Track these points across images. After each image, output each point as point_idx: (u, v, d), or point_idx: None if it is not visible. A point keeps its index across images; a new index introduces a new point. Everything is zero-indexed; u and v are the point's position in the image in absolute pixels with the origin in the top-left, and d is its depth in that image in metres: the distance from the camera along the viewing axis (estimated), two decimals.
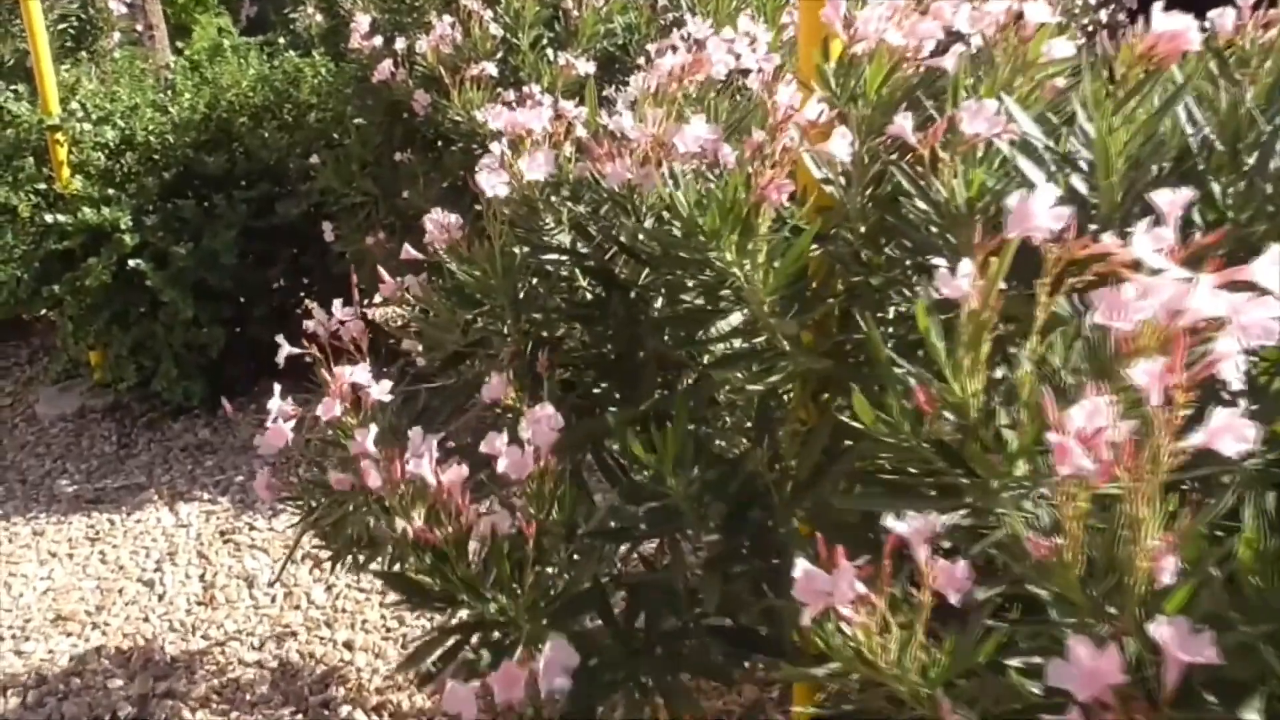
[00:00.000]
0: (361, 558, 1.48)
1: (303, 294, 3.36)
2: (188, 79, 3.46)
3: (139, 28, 4.68)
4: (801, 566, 0.65)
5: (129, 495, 2.76)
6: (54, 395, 3.31)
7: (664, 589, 0.89)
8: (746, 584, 0.84)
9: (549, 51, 2.71)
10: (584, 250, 1.29)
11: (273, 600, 2.27)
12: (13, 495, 2.79)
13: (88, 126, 3.02)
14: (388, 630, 2.15)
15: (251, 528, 2.56)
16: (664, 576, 0.91)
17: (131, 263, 2.92)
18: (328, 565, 2.31)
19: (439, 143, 2.91)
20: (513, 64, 2.64)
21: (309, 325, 1.44)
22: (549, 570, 0.86)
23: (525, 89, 2.55)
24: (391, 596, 2.20)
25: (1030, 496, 0.68)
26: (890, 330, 0.91)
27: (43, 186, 3.04)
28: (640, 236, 1.17)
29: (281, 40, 4.02)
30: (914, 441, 0.69)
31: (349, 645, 2.10)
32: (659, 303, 1.21)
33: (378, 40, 2.79)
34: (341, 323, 1.42)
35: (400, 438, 1.31)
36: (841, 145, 0.88)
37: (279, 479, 1.46)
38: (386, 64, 2.68)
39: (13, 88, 3.54)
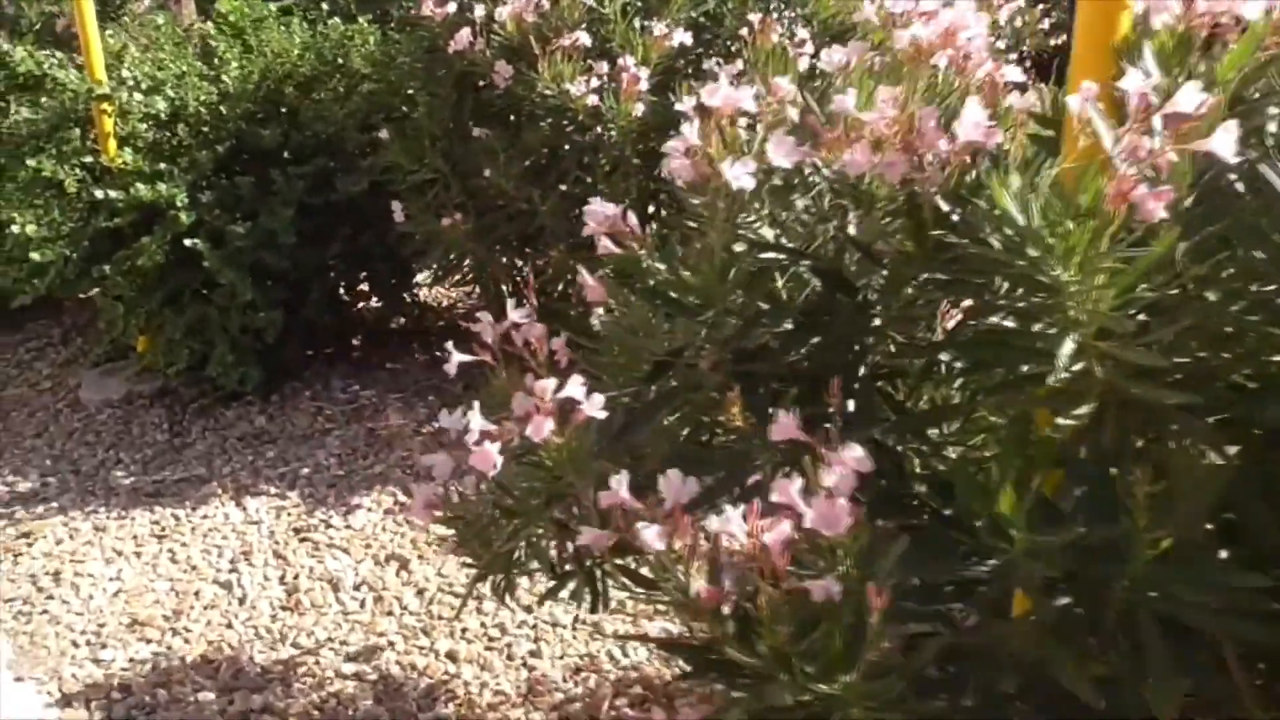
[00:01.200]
0: (525, 581, 1.35)
1: (362, 275, 3.21)
2: (231, 46, 3.29)
3: None
4: None
5: (190, 488, 2.62)
6: (96, 379, 3.16)
7: (991, 659, 0.76)
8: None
9: (636, 20, 2.55)
10: (803, 248, 1.15)
11: (362, 605, 2.14)
12: (67, 487, 2.65)
13: (139, 96, 2.84)
14: (490, 640, 2.02)
15: (328, 525, 2.42)
16: (996, 644, 0.78)
17: (187, 242, 2.76)
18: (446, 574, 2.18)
19: (511, 116, 2.75)
20: (602, 34, 2.48)
21: (478, 329, 1.30)
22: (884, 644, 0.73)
23: (620, 61, 2.41)
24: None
25: None
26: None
27: (88, 160, 2.87)
28: (898, 236, 1.03)
29: (324, 5, 3.83)
30: None
31: (452, 656, 1.98)
32: (943, 322, 1.08)
33: (450, 7, 2.62)
34: (515, 326, 1.28)
35: (610, 456, 1.18)
36: (1226, 142, 0.74)
37: (436, 498, 1.32)
38: (465, 33, 2.52)
39: (46, 53, 3.36)
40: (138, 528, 2.45)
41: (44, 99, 2.95)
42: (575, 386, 1.07)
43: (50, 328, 3.70)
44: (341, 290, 3.17)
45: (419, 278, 3.50)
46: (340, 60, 3.25)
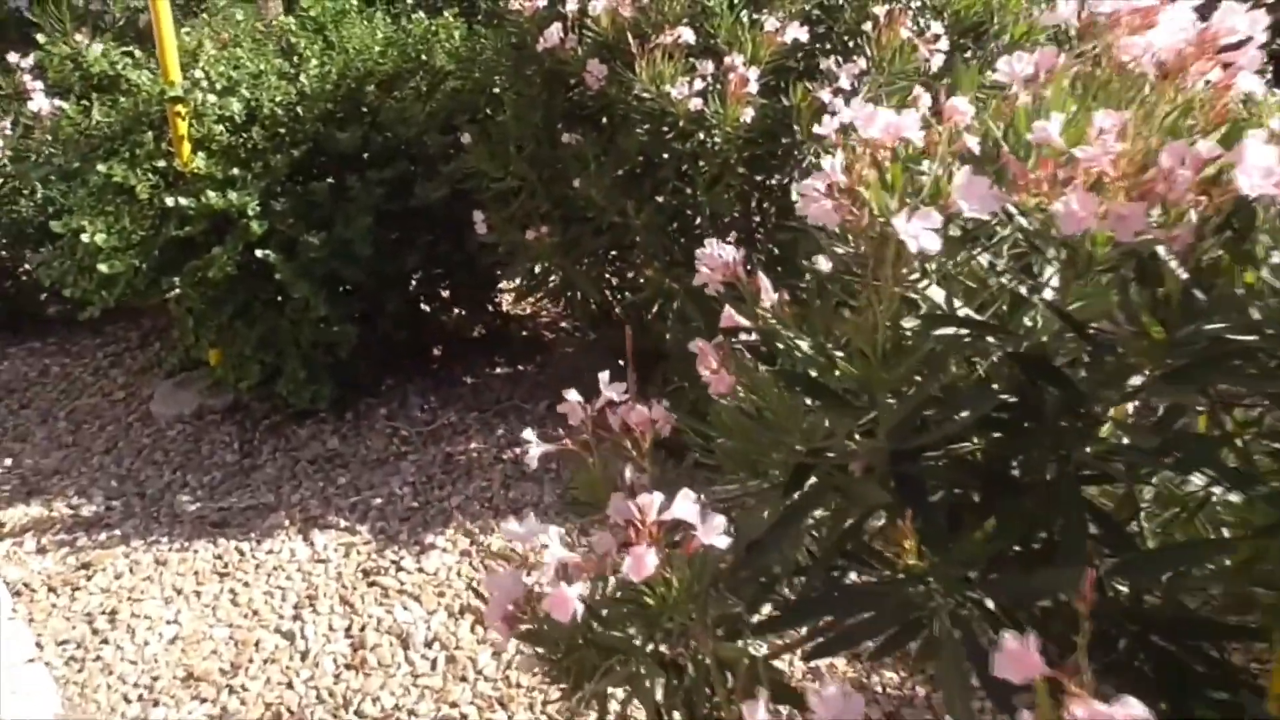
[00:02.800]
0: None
1: (442, 287, 3.02)
2: (312, 43, 3.12)
3: None
4: None
5: (257, 517, 2.46)
6: (169, 391, 3.03)
7: None
8: None
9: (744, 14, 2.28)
10: (993, 322, 0.88)
11: (433, 666, 1.94)
12: (131, 512, 2.52)
13: (212, 98, 2.69)
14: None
15: (399, 567, 2.23)
16: None
17: (259, 253, 2.60)
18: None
19: (604, 119, 2.52)
20: (705, 29, 2.21)
21: (566, 409, 1.06)
22: None
23: (726, 60, 2.15)
24: None
25: None
26: None
27: (161, 164, 2.73)
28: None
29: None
30: None
31: None
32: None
33: (541, 0, 2.39)
34: (611, 405, 1.04)
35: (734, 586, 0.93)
36: None
37: (515, 608, 1.09)
38: (555, 29, 2.29)
39: (124, 50, 3.24)
40: (200, 562, 2.29)
41: (120, 99, 2.83)
42: (687, 505, 0.82)
43: (128, 331, 3.62)
44: (420, 302, 2.98)
45: (501, 285, 3.32)
46: (423, 57, 3.06)
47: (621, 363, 1.11)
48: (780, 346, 0.93)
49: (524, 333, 3.39)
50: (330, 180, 2.74)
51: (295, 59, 3.01)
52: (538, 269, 2.48)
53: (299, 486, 2.59)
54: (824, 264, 0.99)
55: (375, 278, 2.77)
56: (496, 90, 2.95)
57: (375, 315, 2.87)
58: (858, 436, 0.92)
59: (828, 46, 2.23)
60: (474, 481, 2.58)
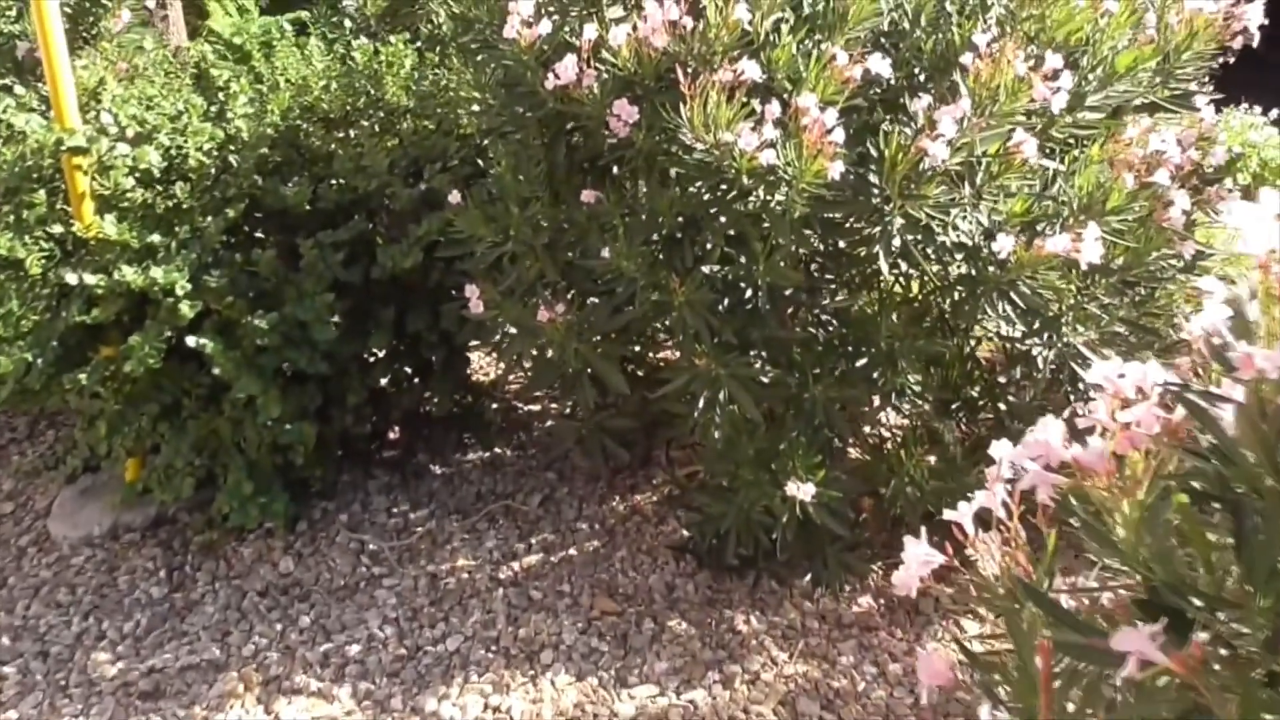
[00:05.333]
0: None
1: (410, 370, 2.53)
2: (237, 75, 2.61)
3: (148, 4, 3.78)
4: None
5: (201, 680, 1.94)
6: (72, 503, 2.46)
7: None
8: None
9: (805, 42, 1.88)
10: None
11: None
12: (29, 682, 1.96)
13: (124, 147, 2.16)
14: None
15: None
16: None
17: (191, 340, 2.08)
18: None
19: (615, 171, 2.09)
20: (759, 62, 1.80)
21: None
22: None
23: (796, 101, 1.75)
24: None
25: None
26: None
27: (58, 230, 2.18)
28: None
29: (348, 23, 3.16)
30: None
31: None
32: None
33: (544, 26, 1.95)
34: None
35: None
36: None
37: None
38: (570, 62, 1.85)
39: (3, 83, 2.68)
40: None
41: (2, 151, 2.27)
42: None
43: (12, 416, 3.00)
44: (386, 390, 2.48)
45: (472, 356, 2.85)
46: (372, 90, 2.59)
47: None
48: None
49: (494, 405, 2.91)
50: (275, 247, 2.24)
51: (219, 96, 2.49)
52: (550, 356, 2.02)
53: (251, 632, 2.07)
54: None
55: (331, 362, 2.27)
56: (468, 132, 2.51)
57: (332, 407, 2.36)
58: None
59: (913, 82, 1.85)
60: (471, 615, 2.10)
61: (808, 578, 2.15)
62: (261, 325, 2.07)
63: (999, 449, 0.99)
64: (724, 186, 1.76)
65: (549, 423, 2.88)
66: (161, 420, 2.19)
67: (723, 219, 1.80)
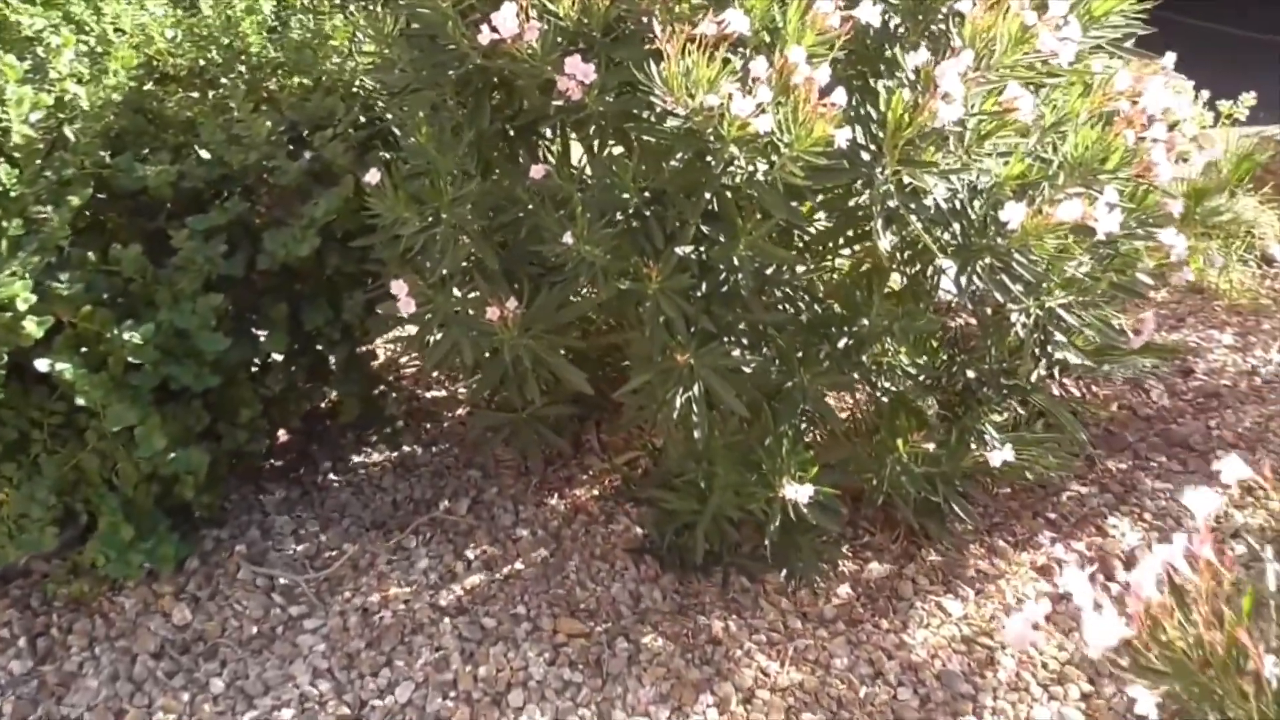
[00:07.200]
0: None
1: (306, 378, 2.17)
2: (55, 27, 2.14)
3: None
4: None
5: None
6: None
7: None
8: None
9: None
10: None
11: None
12: None
13: None
14: None
15: None
16: None
17: (40, 363, 1.68)
18: None
19: (571, 135, 1.82)
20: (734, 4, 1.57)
21: None
22: None
23: (786, 55, 1.52)
24: None
25: None
26: None
27: None
28: None
29: None
30: None
31: None
32: None
33: None
34: None
35: None
36: None
37: None
38: (509, 11, 1.55)
39: None
40: None
41: None
42: None
43: None
44: (284, 400, 2.13)
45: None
46: (231, 42, 2.18)
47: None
48: None
49: (393, 395, 2.59)
50: (139, 239, 1.84)
51: (37, 52, 2.03)
52: (500, 357, 1.74)
53: (151, 707, 1.73)
54: None
55: (220, 371, 1.91)
56: (361, 90, 2.16)
57: (221, 422, 2.00)
58: None
59: (891, 29, 1.66)
60: (419, 656, 1.83)
61: (782, 573, 1.99)
62: (135, 339, 1.69)
63: (1194, 500, 0.83)
64: (707, 158, 1.53)
65: (459, 411, 2.59)
66: (6, 460, 1.78)
67: (704, 194, 1.57)
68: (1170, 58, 1.97)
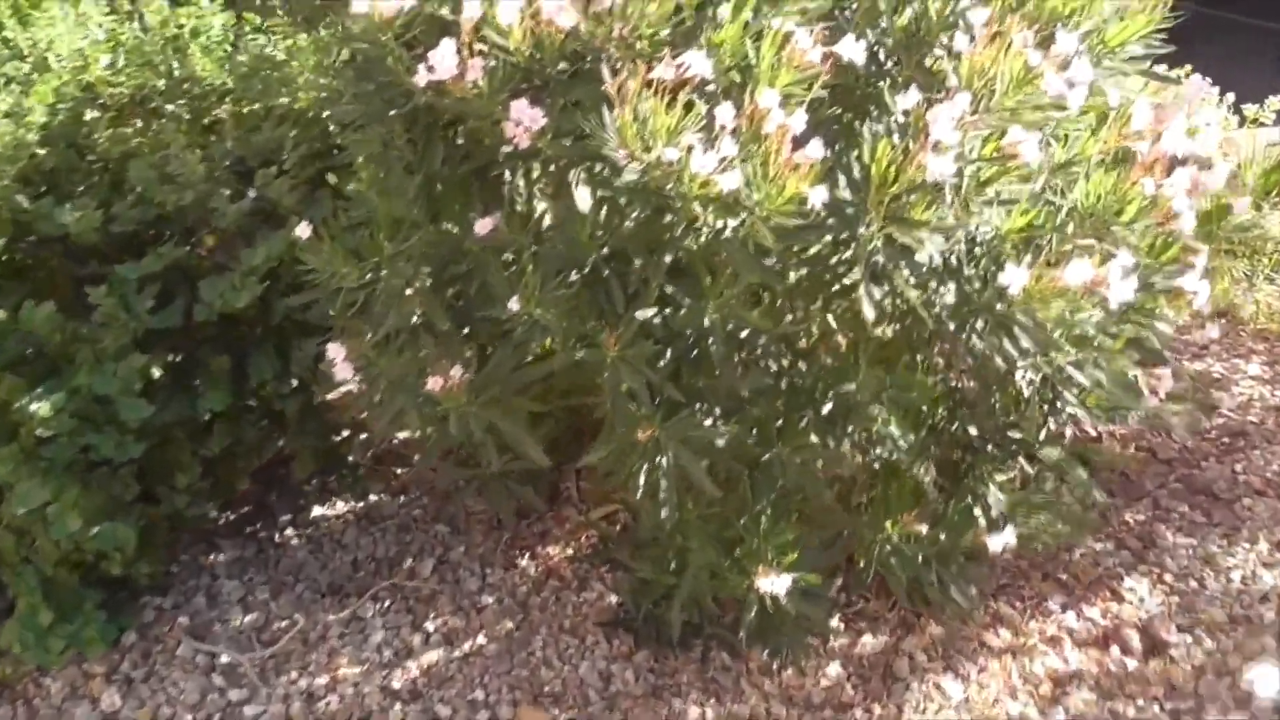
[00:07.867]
0: None
1: (257, 432, 2.01)
2: None
3: None
4: None
5: None
6: None
7: None
8: None
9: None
10: None
11: None
12: None
13: None
14: None
15: None
16: None
17: None
18: None
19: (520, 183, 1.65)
20: (699, 42, 1.39)
21: None
22: None
23: (757, 101, 1.35)
24: None
25: None
26: None
27: None
28: None
29: None
30: None
31: None
32: None
33: (407, 1, 1.46)
34: None
35: None
36: None
37: None
38: (447, 50, 1.38)
39: None
40: None
41: None
42: None
43: None
44: (230, 458, 1.97)
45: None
46: (175, 68, 2.03)
47: None
48: None
49: (359, 437, 2.43)
50: (54, 289, 1.69)
51: None
52: (446, 427, 1.57)
53: None
54: None
55: (149, 435, 1.76)
56: (311, 115, 1.99)
57: (158, 485, 1.85)
58: None
59: (878, 65, 1.48)
60: None
61: (765, 653, 1.83)
62: (43, 410, 1.53)
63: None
64: (668, 216, 1.35)
65: (424, 460, 2.44)
66: None
67: (665, 255, 1.40)
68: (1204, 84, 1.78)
